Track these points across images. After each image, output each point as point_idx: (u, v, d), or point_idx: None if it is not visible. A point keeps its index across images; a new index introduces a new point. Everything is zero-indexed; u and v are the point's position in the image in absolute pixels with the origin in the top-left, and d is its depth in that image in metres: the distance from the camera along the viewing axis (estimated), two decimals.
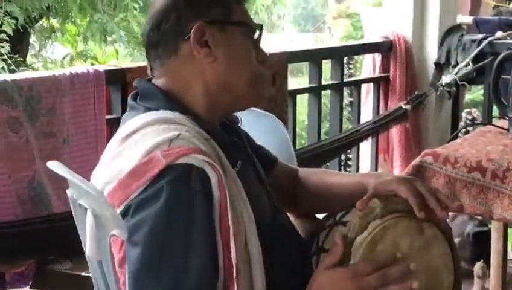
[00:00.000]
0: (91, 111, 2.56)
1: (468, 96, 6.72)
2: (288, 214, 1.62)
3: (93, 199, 1.33)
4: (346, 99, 5.80)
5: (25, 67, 7.17)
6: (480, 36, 3.94)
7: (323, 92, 3.83)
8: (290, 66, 3.43)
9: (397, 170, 3.95)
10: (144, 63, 1.51)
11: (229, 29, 1.42)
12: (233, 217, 1.28)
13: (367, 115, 4.05)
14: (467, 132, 3.24)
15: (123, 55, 8.78)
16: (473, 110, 5.78)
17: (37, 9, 7.03)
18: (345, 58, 4.67)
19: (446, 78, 3.88)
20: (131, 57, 8.54)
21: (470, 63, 3.83)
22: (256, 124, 2.11)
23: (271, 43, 9.99)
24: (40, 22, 8.12)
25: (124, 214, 1.28)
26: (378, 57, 4.06)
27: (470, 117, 5.54)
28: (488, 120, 3.68)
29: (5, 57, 6.44)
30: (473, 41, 3.90)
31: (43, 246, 2.35)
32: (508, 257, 2.81)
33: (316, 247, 1.44)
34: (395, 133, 4.03)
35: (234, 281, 1.26)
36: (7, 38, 6.46)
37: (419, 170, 2.31)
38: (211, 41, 1.39)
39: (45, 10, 7.36)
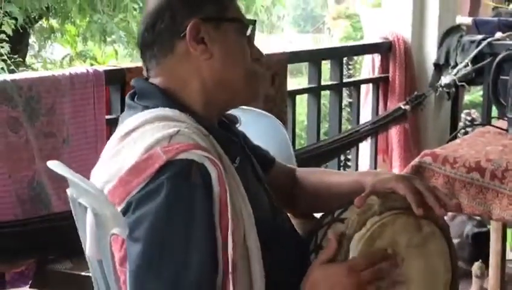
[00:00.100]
0: (91, 111, 2.57)
1: (467, 98, 6.72)
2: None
3: (93, 198, 1.34)
4: (346, 100, 5.81)
5: (25, 68, 7.17)
6: (479, 37, 3.94)
7: (322, 93, 3.83)
8: (289, 66, 3.43)
9: (396, 171, 3.95)
10: None
11: (224, 26, 1.43)
12: (233, 212, 1.28)
13: (366, 115, 4.05)
14: (466, 133, 3.24)
15: (122, 56, 8.78)
16: (472, 111, 5.78)
17: (37, 9, 7.03)
18: (345, 59, 4.68)
19: (445, 79, 3.89)
20: (131, 58, 8.55)
21: (469, 63, 3.84)
22: (256, 124, 2.11)
23: (271, 44, 10.00)
24: (40, 22, 8.13)
25: (125, 211, 1.28)
26: (377, 57, 4.07)
27: (469, 118, 5.54)
28: (487, 121, 3.68)
29: (5, 57, 6.44)
30: (472, 42, 3.91)
31: (43, 246, 2.36)
32: (507, 258, 2.81)
33: (314, 245, 1.44)
34: (394, 133, 4.03)
35: (229, 276, 1.26)
36: (7, 39, 6.47)
37: (418, 170, 2.32)
38: (207, 38, 1.40)
39: (45, 10, 7.37)
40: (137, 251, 1.25)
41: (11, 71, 6.22)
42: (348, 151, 4.23)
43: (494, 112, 3.80)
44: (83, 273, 2.33)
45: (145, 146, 1.30)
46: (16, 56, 6.68)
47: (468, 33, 4.15)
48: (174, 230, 1.25)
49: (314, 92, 3.69)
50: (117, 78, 2.72)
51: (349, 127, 4.19)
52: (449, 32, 4.04)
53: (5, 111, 2.32)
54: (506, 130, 2.55)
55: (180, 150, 1.27)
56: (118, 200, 1.29)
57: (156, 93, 1.41)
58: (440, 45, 4.03)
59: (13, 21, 6.54)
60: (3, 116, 2.31)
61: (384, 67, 4.06)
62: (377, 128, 3.86)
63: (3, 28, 6.41)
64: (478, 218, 3.32)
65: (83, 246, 1.45)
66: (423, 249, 1.35)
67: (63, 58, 8.90)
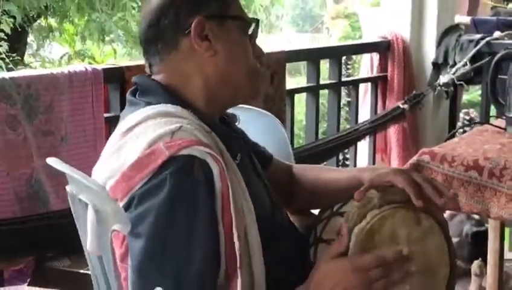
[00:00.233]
0: (89, 109, 2.57)
1: (465, 97, 6.73)
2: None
3: (94, 194, 1.34)
4: (344, 99, 5.81)
5: (23, 67, 7.17)
6: (478, 36, 3.94)
7: (321, 92, 3.83)
8: (288, 65, 3.43)
9: None
10: (142, 61, 1.52)
11: (227, 23, 1.44)
12: (235, 208, 1.28)
13: (365, 114, 4.05)
14: (464, 132, 3.24)
15: (121, 55, 8.78)
16: (471, 110, 5.79)
17: (35, 8, 7.04)
18: (343, 58, 4.68)
19: (444, 78, 3.89)
20: (129, 56, 8.55)
21: (468, 63, 3.84)
22: (255, 123, 2.12)
23: (269, 43, 9.99)
24: (38, 21, 8.13)
25: (128, 206, 1.29)
26: (376, 56, 4.07)
27: (467, 117, 5.55)
28: (485, 119, 3.68)
29: (3, 56, 6.44)
30: (471, 41, 3.91)
31: (42, 244, 2.36)
32: (505, 257, 2.82)
33: (313, 238, 1.44)
34: (392, 132, 4.03)
35: (238, 271, 1.27)
36: (5, 37, 6.47)
37: (416, 169, 2.31)
38: (211, 35, 1.41)
39: (43, 9, 7.37)
40: (140, 246, 1.25)
41: (9, 70, 6.23)
42: (347, 150, 4.23)
43: (493, 111, 3.80)
44: (81, 271, 2.33)
45: (147, 141, 1.30)
46: (14, 55, 6.69)
47: (466, 32, 4.15)
48: (176, 225, 1.25)
49: (312, 91, 3.69)
50: (116, 77, 2.72)
51: (348, 126, 4.19)
52: (448, 31, 4.04)
53: (3, 109, 2.32)
54: (505, 129, 2.55)
55: (182, 146, 1.28)
56: (121, 196, 1.30)
57: (159, 89, 1.42)
58: (439, 44, 4.03)
59: (12, 20, 6.54)
60: (2, 113, 2.31)
61: (383, 66, 4.06)
62: (376, 127, 3.86)
63: (2, 26, 6.41)
64: (477, 217, 3.32)
65: (82, 243, 1.45)
66: (422, 243, 1.36)
67: (61, 57, 8.91)
